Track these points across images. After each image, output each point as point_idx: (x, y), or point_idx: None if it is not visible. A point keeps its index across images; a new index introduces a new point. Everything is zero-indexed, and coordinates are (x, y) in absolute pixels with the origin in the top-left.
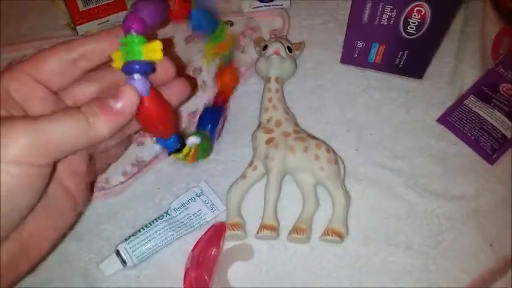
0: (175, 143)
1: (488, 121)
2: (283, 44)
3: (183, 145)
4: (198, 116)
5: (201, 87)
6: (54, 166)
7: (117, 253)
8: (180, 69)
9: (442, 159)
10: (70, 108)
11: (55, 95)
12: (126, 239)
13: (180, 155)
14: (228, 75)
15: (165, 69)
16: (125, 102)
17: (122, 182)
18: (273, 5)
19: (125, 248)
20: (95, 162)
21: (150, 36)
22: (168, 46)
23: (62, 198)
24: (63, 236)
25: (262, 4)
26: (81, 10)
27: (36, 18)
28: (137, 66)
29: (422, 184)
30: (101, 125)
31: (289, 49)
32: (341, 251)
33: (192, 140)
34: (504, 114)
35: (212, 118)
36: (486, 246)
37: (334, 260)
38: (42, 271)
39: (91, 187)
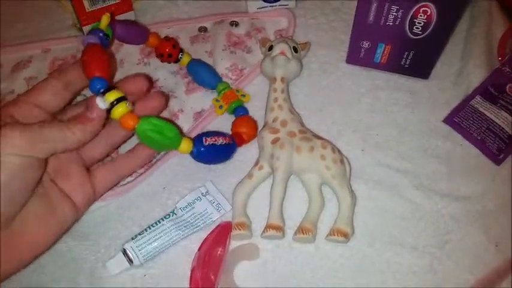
0: (100, 82)
1: (494, 121)
2: (288, 44)
3: (110, 89)
4: (203, 116)
5: None
6: (46, 163)
7: (124, 252)
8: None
9: (447, 159)
10: (57, 122)
11: (51, 115)
12: (132, 238)
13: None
14: (244, 126)
15: (140, 83)
16: (95, 113)
17: (128, 182)
18: (279, 5)
19: (131, 247)
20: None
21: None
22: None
23: (61, 200)
24: (59, 237)
25: (268, 4)
26: (87, 10)
27: (42, 18)
28: (96, 31)
29: (428, 184)
30: (77, 130)
31: (295, 49)
32: (346, 251)
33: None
34: (510, 114)
35: (209, 133)
36: (492, 247)
37: (340, 260)
38: (49, 270)
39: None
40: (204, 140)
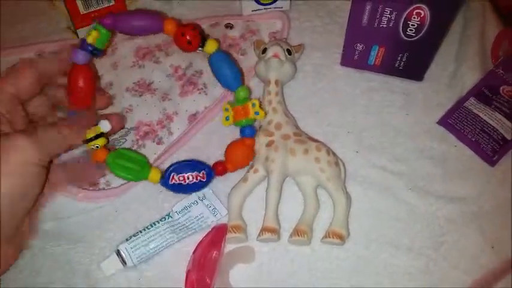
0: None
1: (488, 123)
2: (282, 47)
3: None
4: (198, 119)
5: (202, 89)
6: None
7: (118, 253)
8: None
9: (442, 161)
10: (51, 126)
11: (21, 105)
12: (127, 239)
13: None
14: (240, 152)
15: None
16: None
17: (123, 184)
18: (273, 8)
19: (125, 248)
20: None
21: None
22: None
23: None
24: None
25: (262, 7)
26: (81, 13)
27: (37, 21)
28: (85, 45)
29: (423, 186)
30: (66, 132)
31: (289, 52)
32: (342, 253)
33: (103, 123)
34: (504, 116)
35: (182, 167)
36: (487, 248)
37: (336, 262)
38: (44, 272)
39: None
40: (171, 178)
